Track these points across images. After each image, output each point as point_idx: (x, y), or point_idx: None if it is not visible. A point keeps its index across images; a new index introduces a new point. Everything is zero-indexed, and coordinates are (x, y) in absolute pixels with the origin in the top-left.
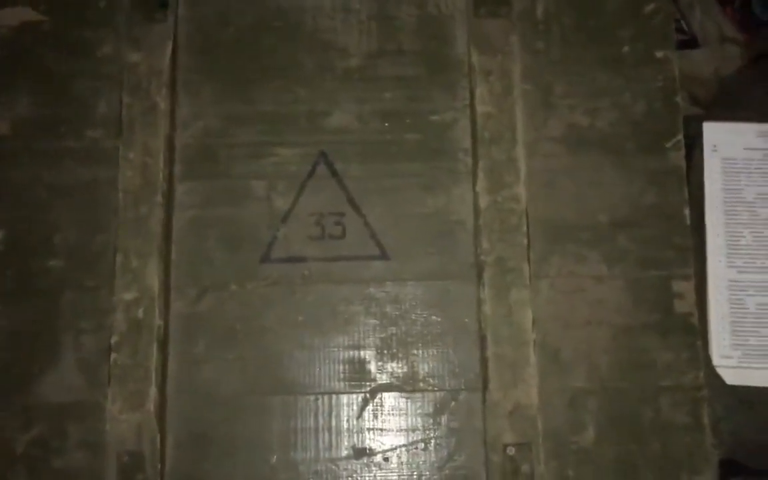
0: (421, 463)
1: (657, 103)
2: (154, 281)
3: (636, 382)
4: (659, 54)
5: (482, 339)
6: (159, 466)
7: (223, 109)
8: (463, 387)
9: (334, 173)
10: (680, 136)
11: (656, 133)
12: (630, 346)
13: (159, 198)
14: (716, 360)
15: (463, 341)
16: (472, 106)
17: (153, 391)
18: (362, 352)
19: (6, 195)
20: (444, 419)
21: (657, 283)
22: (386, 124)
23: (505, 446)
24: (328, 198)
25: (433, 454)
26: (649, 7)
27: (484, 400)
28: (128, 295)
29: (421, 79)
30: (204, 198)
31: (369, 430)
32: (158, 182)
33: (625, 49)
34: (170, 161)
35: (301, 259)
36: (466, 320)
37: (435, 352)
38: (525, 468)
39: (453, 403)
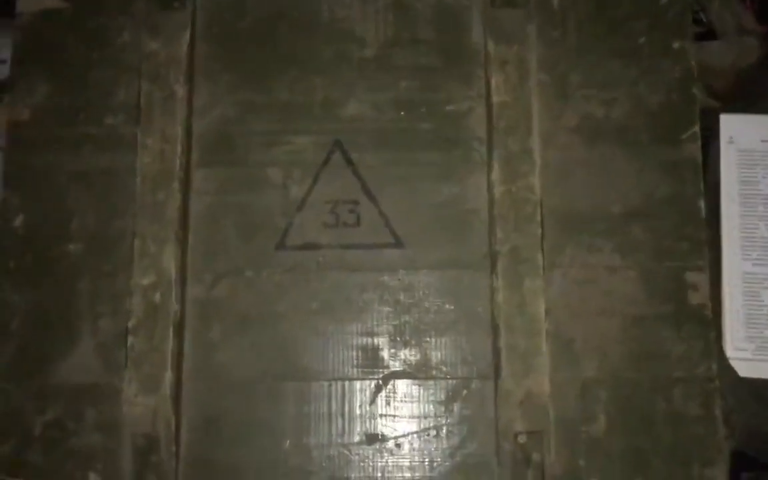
0: (432, 449)
1: (673, 94)
2: (171, 266)
3: (648, 373)
4: (676, 45)
5: (495, 328)
6: (174, 448)
7: (239, 97)
8: (475, 375)
9: (349, 162)
10: (696, 128)
11: (672, 124)
12: (643, 336)
13: (176, 184)
14: (730, 352)
15: (476, 330)
16: (487, 95)
17: (168, 375)
18: (375, 339)
19: (25, 181)
20: (456, 407)
21: (670, 274)
22: (401, 113)
23: (517, 434)
24: (343, 186)
25: (444, 441)
26: None
27: (496, 389)
28: (145, 280)
29: (436, 69)
30: (220, 185)
31: (381, 416)
32: (175, 169)
33: (642, 39)
34: (187, 148)
35: (315, 247)
36: (479, 309)
37: (448, 340)
38: (536, 456)
39: (465, 391)
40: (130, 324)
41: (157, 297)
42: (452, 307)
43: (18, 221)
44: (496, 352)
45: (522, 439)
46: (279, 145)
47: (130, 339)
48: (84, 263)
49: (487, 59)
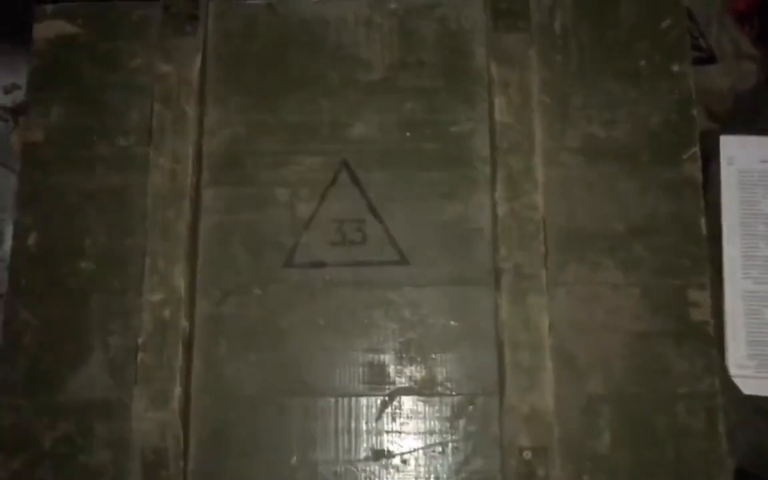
0: (438, 466)
1: (673, 116)
2: (180, 283)
3: (651, 389)
4: (675, 68)
5: (499, 344)
6: (182, 463)
7: (248, 118)
8: (480, 392)
9: (356, 181)
10: (696, 148)
11: (672, 144)
12: (646, 352)
13: (186, 203)
14: (733, 370)
15: (481, 346)
16: (491, 116)
17: (177, 390)
18: (381, 356)
19: (38, 200)
20: (461, 423)
21: (673, 291)
22: (407, 134)
23: (522, 450)
24: (350, 205)
25: (450, 458)
26: (665, 23)
27: (501, 405)
28: (155, 297)
29: (440, 91)
30: (229, 204)
31: (387, 432)
32: (186, 188)
33: (642, 62)
34: (198, 168)
35: (322, 264)
36: (484, 326)
37: (453, 357)
38: (541, 472)
39: (470, 407)
40: (140, 340)
41: (167, 313)
42: (457, 324)
43: (31, 240)
44: (501, 368)
45: (527, 455)
46: (287, 165)
47: (140, 355)
48: (95, 281)
49: (491, 82)
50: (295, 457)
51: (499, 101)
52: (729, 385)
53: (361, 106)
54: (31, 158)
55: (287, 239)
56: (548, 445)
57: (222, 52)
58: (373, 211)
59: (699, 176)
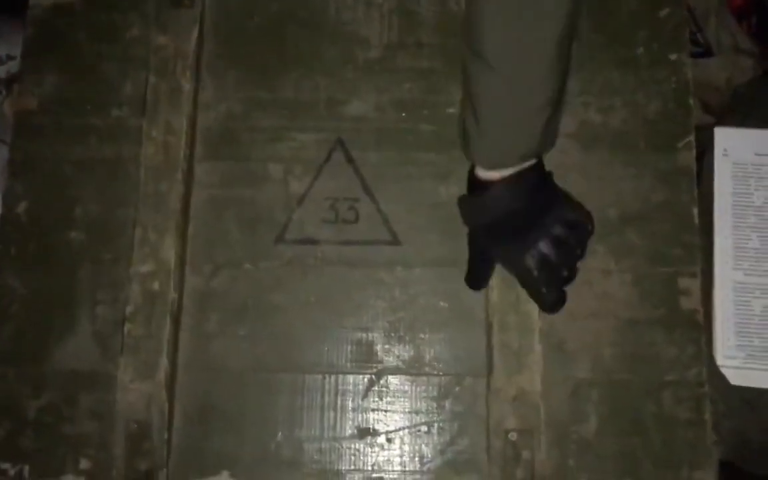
0: (423, 445)
1: (670, 104)
2: (170, 255)
3: (639, 376)
4: (673, 56)
5: (489, 326)
6: (166, 436)
7: (245, 94)
8: (467, 372)
9: (350, 160)
10: (692, 137)
11: (668, 132)
12: (635, 339)
13: (179, 175)
14: (720, 360)
15: (470, 327)
16: None
17: (164, 362)
18: (370, 335)
19: (30, 169)
20: (447, 403)
21: (664, 279)
22: (403, 114)
23: (507, 432)
24: (343, 183)
25: (435, 438)
26: (664, 12)
27: (488, 386)
28: (144, 268)
29: (439, 73)
30: (223, 178)
31: (373, 410)
32: (179, 160)
33: (640, 50)
34: (192, 141)
35: (314, 242)
36: (473, 307)
37: (441, 337)
38: (526, 454)
39: (457, 387)
40: (127, 311)
41: (156, 285)
42: (447, 305)
43: (21, 208)
44: (489, 349)
45: (513, 436)
46: (282, 141)
47: (127, 326)
48: (85, 251)
49: None
50: (280, 433)
51: None
52: (716, 375)
53: (358, 85)
54: (24, 126)
55: (280, 215)
56: (534, 428)
57: (220, 27)
58: (366, 189)
59: (693, 165)
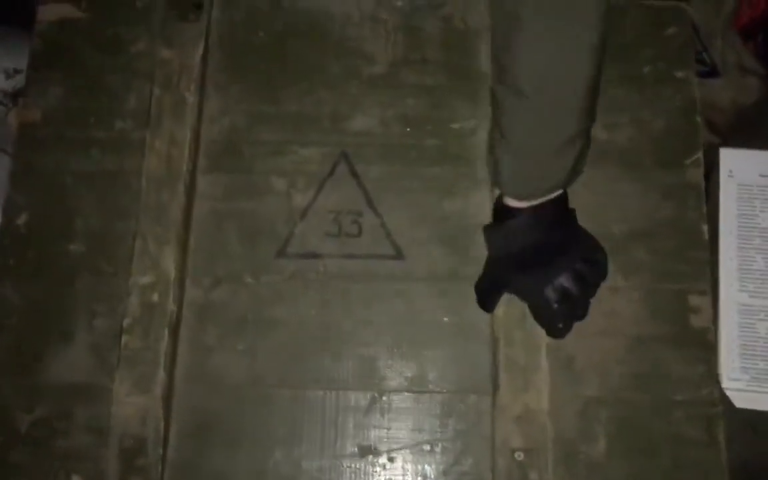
0: (426, 465)
1: (677, 121)
2: (170, 267)
3: (649, 395)
4: (679, 74)
5: (494, 341)
6: (161, 451)
7: (249, 107)
8: (472, 389)
9: (354, 173)
10: (700, 154)
11: (675, 149)
12: (644, 357)
13: (181, 186)
14: (725, 382)
15: (474, 344)
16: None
17: (161, 375)
18: (372, 350)
19: (32, 180)
20: (451, 422)
21: (673, 296)
22: (408, 129)
23: (514, 451)
24: (347, 197)
25: (439, 457)
26: (670, 30)
27: (493, 403)
28: (144, 279)
29: (443, 88)
30: (225, 191)
31: (375, 428)
32: (182, 172)
33: (646, 69)
34: (195, 153)
35: (316, 256)
36: (478, 323)
37: (445, 354)
38: (533, 475)
39: (461, 405)
40: (125, 322)
41: (155, 296)
42: (451, 320)
43: (21, 220)
44: (495, 366)
45: (519, 456)
46: (285, 154)
47: (124, 337)
48: (84, 263)
49: None
50: (278, 451)
51: None
52: (721, 398)
53: (362, 100)
54: (27, 137)
55: (282, 229)
56: (541, 447)
57: (225, 41)
58: (370, 203)
59: (702, 182)
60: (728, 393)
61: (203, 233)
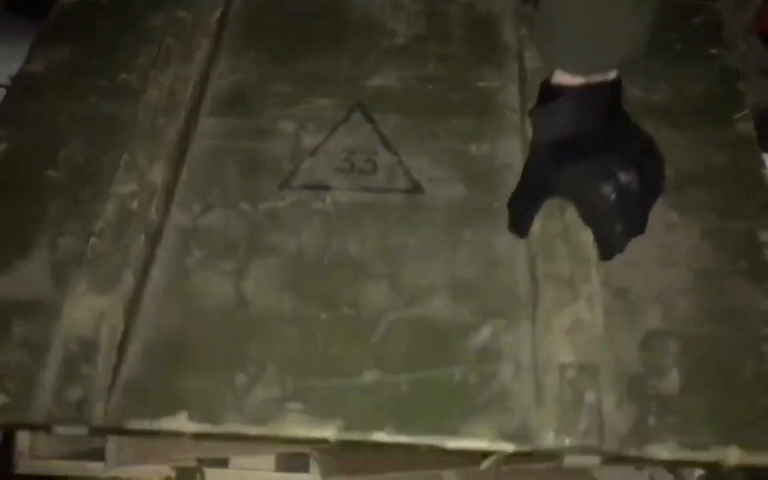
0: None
1: (718, 87)
2: (157, 179)
3: (729, 329)
4: (713, 50)
5: (532, 259)
6: (114, 362)
7: (262, 67)
8: (505, 313)
9: (370, 120)
10: (747, 110)
11: (721, 108)
12: (715, 290)
13: (181, 113)
14: None
15: (506, 270)
16: (521, 69)
17: (128, 277)
18: (385, 281)
19: (19, 119)
20: (487, 341)
21: (740, 233)
22: (430, 86)
23: (563, 368)
24: (361, 140)
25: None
26: (697, 20)
27: (533, 319)
28: (125, 188)
29: (467, 58)
30: (228, 131)
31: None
32: (183, 102)
33: (678, 46)
34: (200, 94)
35: (324, 187)
36: (509, 253)
37: (472, 281)
38: (590, 397)
39: (504, 321)
40: (96, 227)
41: (135, 204)
42: (476, 253)
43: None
44: (534, 282)
45: (570, 373)
46: (296, 104)
47: (91, 239)
48: (61, 188)
49: (520, 39)
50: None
51: (529, 52)
52: None
53: (382, 65)
54: (24, 84)
55: (287, 165)
56: (600, 363)
57: (244, 16)
58: (386, 144)
59: (753, 134)
60: None
61: (199, 167)
